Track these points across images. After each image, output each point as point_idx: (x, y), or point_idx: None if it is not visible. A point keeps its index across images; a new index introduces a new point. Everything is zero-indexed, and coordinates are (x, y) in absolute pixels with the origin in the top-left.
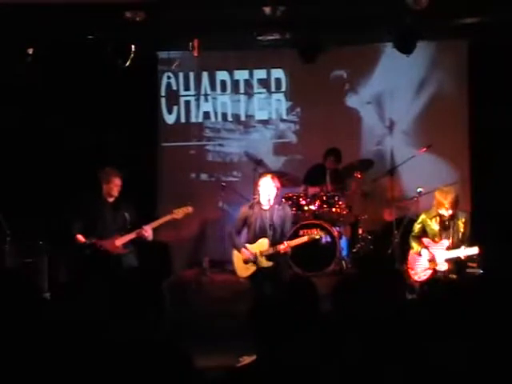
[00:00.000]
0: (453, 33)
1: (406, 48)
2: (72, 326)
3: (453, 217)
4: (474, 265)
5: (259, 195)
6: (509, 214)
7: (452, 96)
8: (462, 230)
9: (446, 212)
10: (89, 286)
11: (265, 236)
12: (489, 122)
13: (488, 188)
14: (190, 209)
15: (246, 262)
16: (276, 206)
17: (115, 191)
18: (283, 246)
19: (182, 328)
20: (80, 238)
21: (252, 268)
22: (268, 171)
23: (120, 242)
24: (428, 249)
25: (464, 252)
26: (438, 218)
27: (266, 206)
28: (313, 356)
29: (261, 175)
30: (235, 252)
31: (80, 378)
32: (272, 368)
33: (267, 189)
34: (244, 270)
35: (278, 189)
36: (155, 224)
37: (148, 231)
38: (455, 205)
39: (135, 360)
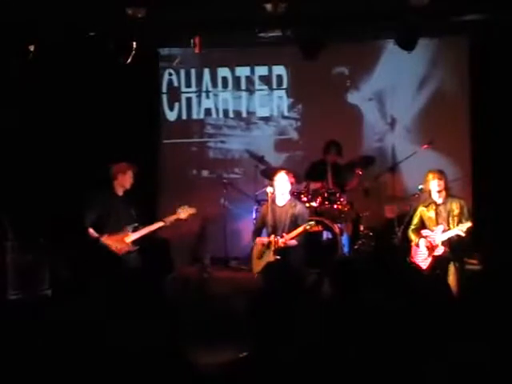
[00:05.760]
0: (454, 30)
1: (407, 45)
2: (74, 326)
3: (447, 201)
4: (475, 261)
5: (275, 192)
6: (510, 210)
7: (453, 93)
8: (456, 213)
9: (437, 185)
10: (91, 285)
11: (276, 233)
12: (490, 119)
13: (489, 184)
14: (193, 210)
15: (259, 255)
16: (288, 203)
17: (128, 183)
18: (282, 240)
19: (183, 325)
20: (92, 232)
21: (263, 263)
22: (271, 168)
23: (130, 238)
24: (426, 238)
25: (459, 228)
26: (433, 206)
27: (280, 203)
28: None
29: (275, 171)
30: (253, 249)
31: (81, 378)
32: (270, 361)
33: (282, 185)
34: (257, 265)
35: (292, 184)
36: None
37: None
38: (442, 175)
39: (136, 360)
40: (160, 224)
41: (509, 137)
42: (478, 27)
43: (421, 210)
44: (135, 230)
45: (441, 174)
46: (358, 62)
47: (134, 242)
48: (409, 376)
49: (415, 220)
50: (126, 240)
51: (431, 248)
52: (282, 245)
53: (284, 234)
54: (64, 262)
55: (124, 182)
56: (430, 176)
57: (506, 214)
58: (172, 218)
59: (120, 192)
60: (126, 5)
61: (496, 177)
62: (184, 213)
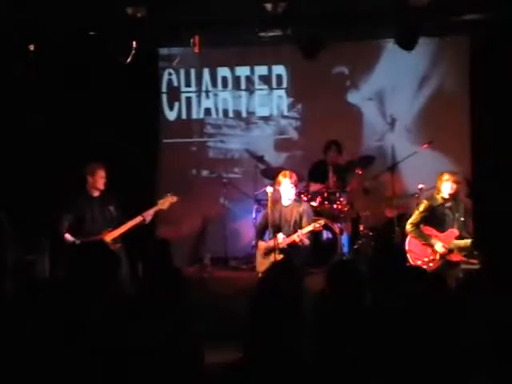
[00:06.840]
0: (454, 29)
1: (407, 44)
2: (73, 327)
3: (456, 202)
4: (475, 261)
5: (274, 191)
6: (510, 210)
7: (453, 92)
8: (463, 218)
9: (450, 188)
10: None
11: (281, 231)
12: (490, 119)
13: (489, 184)
14: (174, 198)
15: (264, 254)
16: (293, 203)
17: (100, 184)
18: (296, 235)
19: (184, 325)
20: (68, 237)
21: (267, 262)
22: (271, 168)
23: (109, 237)
24: (442, 242)
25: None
26: (442, 207)
27: (286, 203)
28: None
29: (279, 174)
30: (258, 249)
31: (81, 378)
32: (269, 360)
33: (287, 191)
34: (261, 265)
35: (296, 185)
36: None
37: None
38: (458, 180)
39: (136, 360)
40: (139, 219)
41: (509, 136)
42: (479, 27)
43: (427, 205)
44: (115, 228)
45: (457, 177)
46: (358, 62)
47: (116, 240)
48: (408, 375)
49: (420, 216)
50: (106, 239)
51: (447, 252)
52: (298, 239)
53: (299, 230)
54: (64, 262)
55: (95, 182)
56: (446, 176)
57: (506, 214)
58: (152, 210)
59: (94, 193)
60: (126, 5)
61: (496, 176)
62: (164, 203)
